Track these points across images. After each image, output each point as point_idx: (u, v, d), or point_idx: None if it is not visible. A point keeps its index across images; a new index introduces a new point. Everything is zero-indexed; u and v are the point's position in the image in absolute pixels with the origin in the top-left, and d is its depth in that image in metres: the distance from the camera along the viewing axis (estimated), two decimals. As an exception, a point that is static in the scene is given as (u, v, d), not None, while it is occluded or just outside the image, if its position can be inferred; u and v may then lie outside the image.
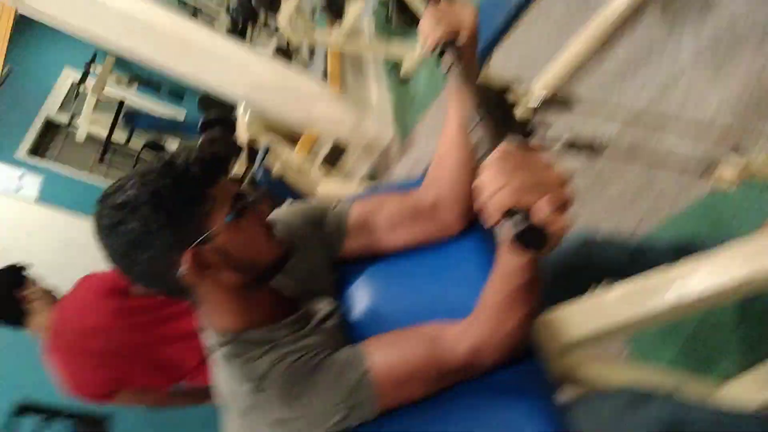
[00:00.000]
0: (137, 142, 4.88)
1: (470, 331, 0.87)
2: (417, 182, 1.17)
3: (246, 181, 3.50)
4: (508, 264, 0.76)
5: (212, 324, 0.95)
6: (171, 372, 2.14)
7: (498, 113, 0.87)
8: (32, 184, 3.73)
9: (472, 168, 1.00)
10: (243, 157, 3.38)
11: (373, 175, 3.59)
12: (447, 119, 1.01)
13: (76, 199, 4.04)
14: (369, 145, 3.66)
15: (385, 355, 0.87)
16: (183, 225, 0.85)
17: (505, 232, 0.63)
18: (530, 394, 0.86)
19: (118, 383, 2.07)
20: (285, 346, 0.91)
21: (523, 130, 0.83)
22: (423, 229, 1.08)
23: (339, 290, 1.11)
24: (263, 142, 3.51)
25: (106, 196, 0.86)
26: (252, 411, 0.87)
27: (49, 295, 2.17)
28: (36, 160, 4.54)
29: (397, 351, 0.88)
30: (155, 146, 4.83)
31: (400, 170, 3.42)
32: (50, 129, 5.10)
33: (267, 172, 2.65)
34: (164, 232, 0.83)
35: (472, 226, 1.08)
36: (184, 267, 0.85)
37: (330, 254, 1.11)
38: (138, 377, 2.11)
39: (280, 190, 2.72)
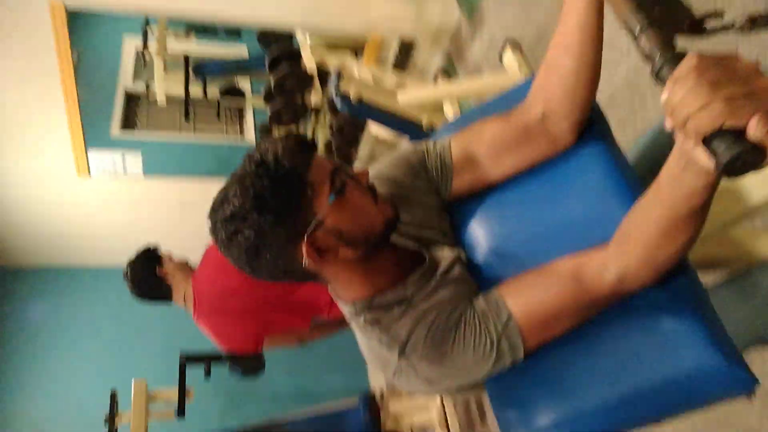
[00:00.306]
0: (213, 91, 4.97)
1: (619, 259, 0.83)
2: (514, 95, 1.10)
3: (326, 109, 3.50)
4: (685, 186, 0.68)
5: (344, 296, 0.98)
6: (306, 311, 2.31)
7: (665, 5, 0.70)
8: (135, 161, 3.93)
9: (591, 75, 0.92)
10: (316, 85, 3.36)
11: (448, 69, 3.45)
12: (562, 14, 0.90)
13: (175, 164, 4.23)
14: (436, 33, 3.49)
15: (525, 300, 0.87)
16: (292, 219, 0.86)
17: (710, 155, 0.56)
18: (684, 312, 0.82)
19: (263, 332, 2.27)
20: (420, 304, 0.93)
21: (699, 25, 0.69)
22: (533, 149, 1.01)
23: (457, 231, 1.09)
24: (332, 66, 3.45)
25: (215, 210, 0.88)
26: (402, 373, 0.91)
27: (185, 267, 2.36)
28: (130, 134, 4.76)
29: (538, 293, 0.87)
30: (231, 91, 4.90)
31: (476, 54, 3.25)
32: (131, 100, 5.28)
33: (345, 98, 2.61)
34: (277, 231, 0.85)
35: (586, 135, 1.01)
36: (305, 256, 0.87)
37: (441, 197, 1.08)
38: (279, 323, 2.30)
39: (362, 112, 2.69)
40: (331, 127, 3.60)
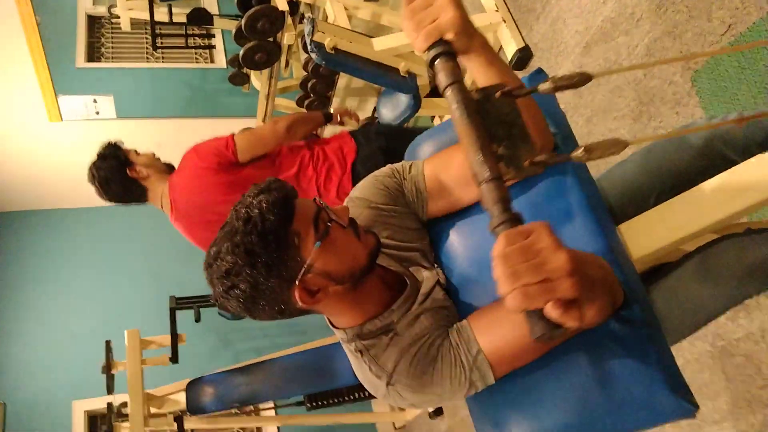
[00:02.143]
0: (181, 16, 4.78)
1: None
2: None
3: (300, 47, 3.40)
4: None
5: (337, 323, 1.07)
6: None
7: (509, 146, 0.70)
8: (107, 104, 3.85)
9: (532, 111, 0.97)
10: (289, 23, 3.25)
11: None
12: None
13: (149, 105, 4.14)
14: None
15: (492, 338, 0.95)
16: (282, 269, 0.93)
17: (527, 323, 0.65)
18: (637, 344, 0.91)
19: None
20: (404, 333, 1.01)
21: (540, 164, 0.68)
22: None
23: (437, 250, 1.16)
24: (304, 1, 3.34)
25: (210, 265, 0.95)
26: (390, 397, 1.01)
27: (157, 164, 2.25)
28: (96, 65, 4.60)
29: (505, 332, 0.94)
30: (199, 17, 4.71)
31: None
32: (94, 25, 5.07)
33: (320, 48, 2.56)
34: (269, 281, 0.92)
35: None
36: (298, 299, 0.95)
37: (418, 219, 1.15)
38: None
39: (338, 63, 2.65)
40: (305, 67, 3.53)
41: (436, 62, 0.76)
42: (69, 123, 3.81)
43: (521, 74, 2.82)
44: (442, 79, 0.73)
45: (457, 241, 1.14)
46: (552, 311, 0.62)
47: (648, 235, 1.06)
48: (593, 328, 0.92)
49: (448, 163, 1.08)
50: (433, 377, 0.96)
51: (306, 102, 3.74)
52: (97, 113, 3.83)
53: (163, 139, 4.10)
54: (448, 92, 0.72)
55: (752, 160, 1.00)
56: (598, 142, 0.63)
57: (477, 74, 0.91)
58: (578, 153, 0.64)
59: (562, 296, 0.61)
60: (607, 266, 0.84)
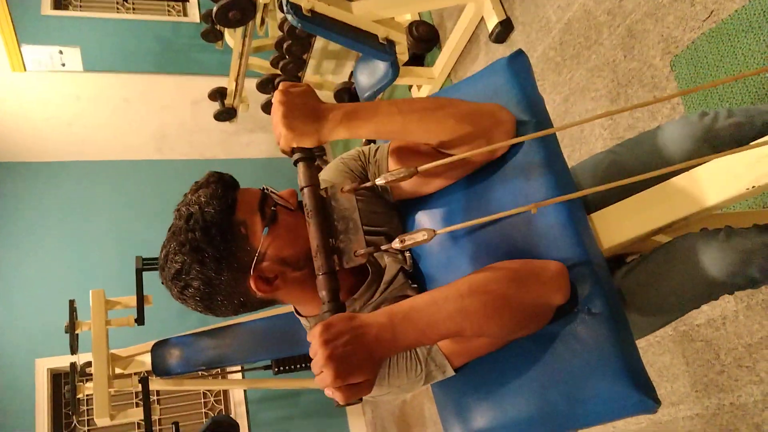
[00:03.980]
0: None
1: None
2: (489, 74, 1.11)
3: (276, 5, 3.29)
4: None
5: (302, 312, 1.05)
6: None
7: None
8: (73, 56, 3.69)
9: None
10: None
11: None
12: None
13: (117, 58, 3.99)
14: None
15: None
16: (233, 260, 0.91)
17: None
18: (603, 339, 0.92)
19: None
20: None
21: (367, 254, 0.88)
22: (470, 164, 1.04)
23: (406, 230, 1.14)
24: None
25: (162, 269, 0.94)
26: None
27: None
28: (63, 13, 4.41)
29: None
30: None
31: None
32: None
33: (296, 10, 2.48)
34: (222, 275, 0.91)
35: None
36: (255, 290, 0.94)
37: (386, 202, 1.13)
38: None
39: (315, 26, 2.57)
40: (281, 27, 3.43)
41: (297, 166, 0.90)
42: (33, 74, 3.65)
43: (501, 48, 2.78)
44: (300, 181, 0.89)
45: (426, 225, 1.12)
46: (327, 394, 0.77)
47: (620, 225, 1.06)
48: (559, 321, 0.94)
49: (414, 150, 1.05)
50: (390, 371, 0.96)
51: (281, 63, 3.65)
52: (63, 65, 3.68)
53: (131, 95, 3.99)
54: (305, 192, 0.88)
55: (729, 156, 0.99)
56: (411, 233, 0.83)
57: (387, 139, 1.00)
58: (396, 244, 0.83)
59: (326, 385, 0.75)
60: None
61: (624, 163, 1.15)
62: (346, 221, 0.87)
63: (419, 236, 0.81)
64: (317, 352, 0.75)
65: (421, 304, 0.84)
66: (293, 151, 0.89)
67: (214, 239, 0.89)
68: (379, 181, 0.85)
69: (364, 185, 0.89)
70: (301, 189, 0.88)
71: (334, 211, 0.88)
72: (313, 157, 0.91)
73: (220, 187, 0.92)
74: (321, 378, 0.75)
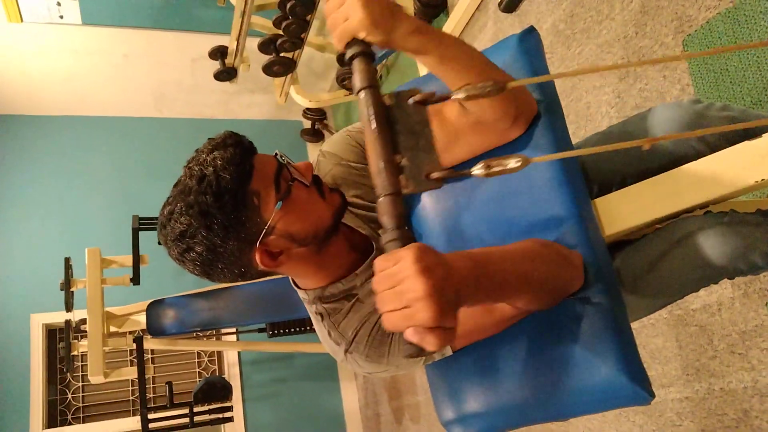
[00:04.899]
0: None
1: None
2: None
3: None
4: None
5: (301, 285, 1.04)
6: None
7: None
8: (72, 8, 3.59)
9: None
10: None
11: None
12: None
13: (118, 12, 3.88)
14: None
15: None
16: (241, 230, 0.88)
17: None
18: (600, 328, 0.91)
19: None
20: (366, 300, 0.99)
21: (439, 180, 0.70)
22: (483, 139, 1.00)
23: (408, 212, 1.12)
24: None
25: (163, 226, 0.89)
26: (348, 362, 1.00)
27: None
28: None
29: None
30: None
31: None
32: None
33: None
34: (228, 244, 0.87)
35: (537, 127, 1.01)
36: (259, 263, 0.91)
37: None
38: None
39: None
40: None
41: (352, 63, 0.74)
42: (30, 25, 3.56)
43: (511, 18, 2.71)
44: (356, 82, 0.72)
45: (429, 205, 1.11)
46: (411, 337, 0.62)
47: (623, 212, 1.04)
48: (557, 308, 0.93)
49: (436, 116, 1.00)
50: (390, 349, 0.95)
51: (283, 24, 3.56)
52: (61, 17, 3.58)
53: (131, 51, 3.90)
54: (361, 96, 0.71)
55: (737, 146, 0.97)
56: (498, 158, 0.64)
57: (441, 77, 0.86)
58: (478, 170, 0.64)
59: (419, 324, 0.61)
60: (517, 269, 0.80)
61: (611, 142, 1.13)
62: (415, 137, 0.70)
63: (512, 162, 0.63)
64: (408, 280, 0.61)
65: (496, 258, 0.77)
66: (350, 45, 0.75)
67: (226, 206, 0.85)
68: (460, 95, 0.68)
69: (440, 96, 0.70)
70: (358, 92, 0.71)
71: (398, 123, 0.71)
72: (372, 56, 0.75)
73: (239, 152, 0.87)
74: (410, 314, 0.61)
